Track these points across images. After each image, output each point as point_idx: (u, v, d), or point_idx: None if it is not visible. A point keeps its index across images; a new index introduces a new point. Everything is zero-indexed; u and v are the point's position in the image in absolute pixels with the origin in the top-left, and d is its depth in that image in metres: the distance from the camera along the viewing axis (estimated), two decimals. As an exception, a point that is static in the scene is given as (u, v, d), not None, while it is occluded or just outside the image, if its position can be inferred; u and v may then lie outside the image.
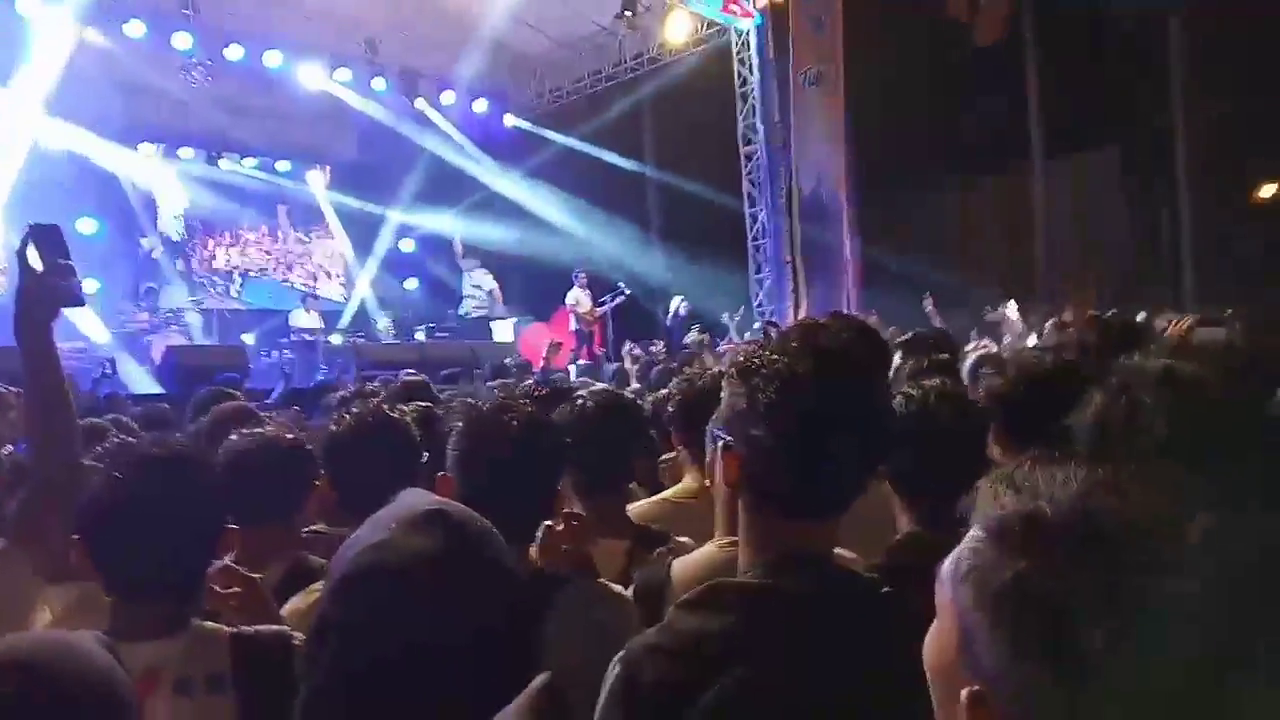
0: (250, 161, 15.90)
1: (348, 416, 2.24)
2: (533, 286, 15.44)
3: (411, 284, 17.41)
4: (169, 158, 15.00)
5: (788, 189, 13.45)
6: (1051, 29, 12.77)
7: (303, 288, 16.41)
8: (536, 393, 2.95)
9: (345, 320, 15.84)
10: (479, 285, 13.89)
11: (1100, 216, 13.45)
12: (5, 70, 11.45)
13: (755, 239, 13.91)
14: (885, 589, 1.29)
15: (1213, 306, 6.43)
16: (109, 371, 8.81)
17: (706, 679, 1.13)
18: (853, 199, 12.67)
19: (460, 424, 1.91)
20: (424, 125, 15.16)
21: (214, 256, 16.07)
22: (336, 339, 13.79)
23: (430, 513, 1.08)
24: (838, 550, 1.37)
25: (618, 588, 1.84)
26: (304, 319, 13.59)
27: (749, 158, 13.82)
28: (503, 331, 14.46)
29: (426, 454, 2.21)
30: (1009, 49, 12.90)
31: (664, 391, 3.63)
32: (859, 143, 12.51)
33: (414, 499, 1.14)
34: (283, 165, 16.35)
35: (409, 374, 5.78)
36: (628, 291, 13.35)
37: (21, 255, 1.74)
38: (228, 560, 1.77)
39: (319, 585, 1.80)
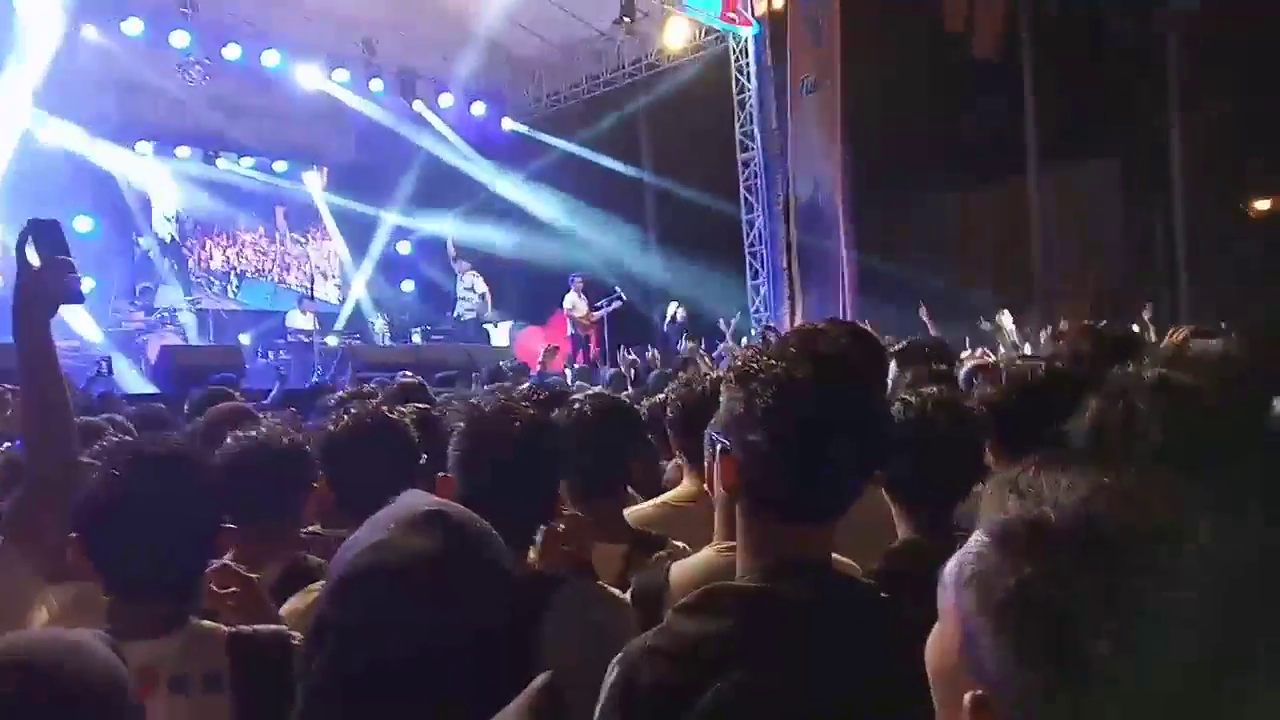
0: (247, 161, 15.87)
1: (346, 417, 2.24)
2: (529, 290, 15.43)
3: (408, 286, 17.40)
4: (166, 156, 14.97)
5: (785, 196, 13.49)
6: (1048, 37, 12.83)
7: (299, 289, 16.38)
8: (535, 396, 2.95)
9: (341, 322, 15.82)
10: (471, 288, 13.88)
11: (1097, 223, 13.52)
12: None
13: (752, 245, 13.93)
14: (882, 595, 1.30)
15: (1209, 319, 6.45)
16: (104, 371, 8.77)
17: (704, 682, 1.14)
18: (849, 206, 12.70)
19: (462, 424, 1.91)
20: (421, 127, 15.17)
21: (211, 257, 16.04)
22: (332, 340, 13.78)
23: (429, 514, 1.08)
24: (835, 556, 1.37)
25: (615, 590, 1.84)
26: (300, 320, 13.57)
27: (746, 164, 13.84)
28: (499, 335, 14.45)
29: (425, 455, 2.21)
30: (1006, 57, 12.95)
31: (660, 396, 3.63)
32: (856, 150, 12.54)
33: (413, 500, 1.14)
34: (280, 165, 16.32)
35: (405, 376, 5.77)
36: (624, 297, 13.37)
37: (20, 251, 1.73)
38: (226, 560, 1.77)
39: (317, 585, 1.80)
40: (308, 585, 1.92)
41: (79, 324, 11.53)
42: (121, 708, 1.05)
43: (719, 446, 1.31)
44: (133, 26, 11.55)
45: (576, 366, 11.60)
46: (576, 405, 2.41)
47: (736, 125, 13.77)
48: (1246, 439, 1.42)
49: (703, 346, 11.02)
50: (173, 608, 1.60)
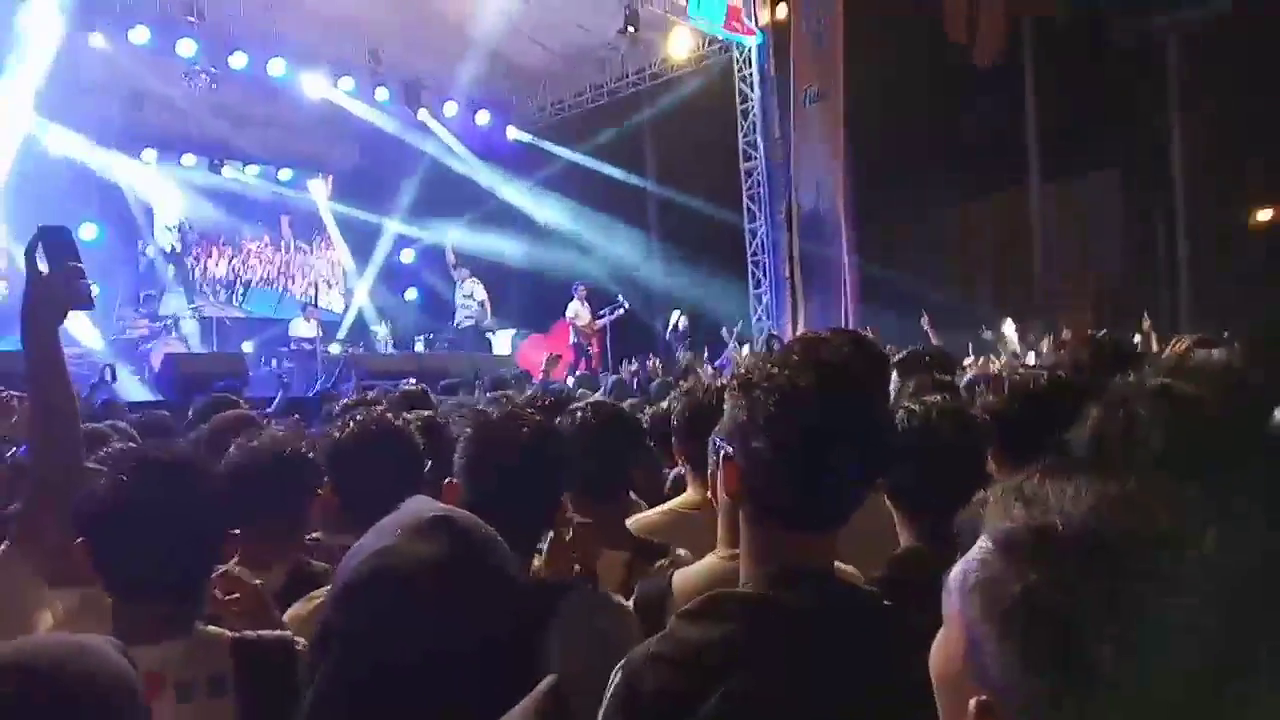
0: (253, 169, 15.94)
1: (351, 424, 2.24)
2: (532, 299, 15.45)
3: (411, 295, 17.42)
4: (171, 164, 15.02)
5: (787, 205, 13.51)
6: (1050, 47, 12.86)
7: (303, 297, 16.42)
8: (539, 402, 2.96)
9: (344, 330, 15.84)
10: (470, 295, 13.88)
11: (1098, 225, 13.53)
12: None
13: (754, 254, 13.95)
14: (885, 602, 1.30)
15: (1210, 320, 6.45)
16: (109, 378, 8.77)
17: (707, 689, 1.14)
18: (851, 215, 12.73)
19: (469, 430, 1.92)
20: (426, 136, 15.21)
21: (216, 265, 16.08)
22: (335, 349, 13.79)
23: (435, 520, 1.09)
24: (837, 564, 1.38)
25: (619, 598, 1.84)
26: (303, 328, 13.59)
27: (749, 173, 13.88)
28: (500, 343, 14.47)
29: (430, 463, 2.22)
30: (1008, 67, 12.99)
31: (664, 404, 3.64)
32: (858, 159, 12.58)
33: (419, 506, 1.15)
34: (285, 174, 16.38)
35: (408, 384, 5.80)
36: (627, 305, 13.38)
37: (30, 257, 1.74)
38: (230, 566, 1.77)
39: (321, 591, 1.81)
40: (312, 591, 1.93)
41: (82, 332, 11.53)
42: (126, 710, 1.05)
43: (722, 453, 1.31)
44: (140, 35, 11.59)
45: (579, 374, 11.62)
46: (579, 413, 2.42)
47: (740, 134, 13.82)
48: (1248, 446, 1.42)
49: (705, 355, 11.04)
50: (177, 612, 1.60)
